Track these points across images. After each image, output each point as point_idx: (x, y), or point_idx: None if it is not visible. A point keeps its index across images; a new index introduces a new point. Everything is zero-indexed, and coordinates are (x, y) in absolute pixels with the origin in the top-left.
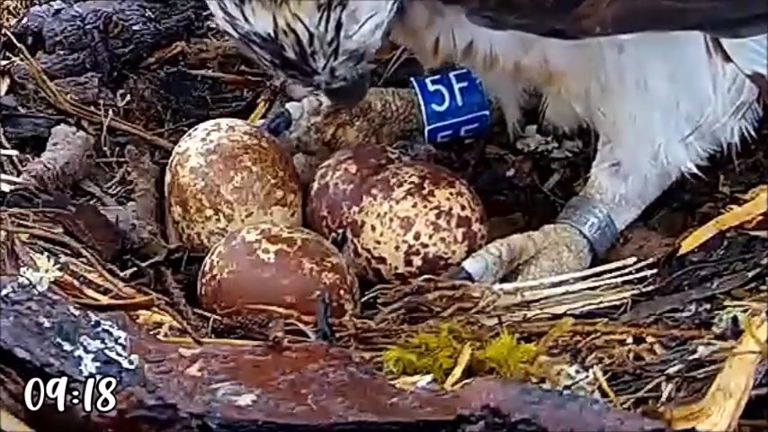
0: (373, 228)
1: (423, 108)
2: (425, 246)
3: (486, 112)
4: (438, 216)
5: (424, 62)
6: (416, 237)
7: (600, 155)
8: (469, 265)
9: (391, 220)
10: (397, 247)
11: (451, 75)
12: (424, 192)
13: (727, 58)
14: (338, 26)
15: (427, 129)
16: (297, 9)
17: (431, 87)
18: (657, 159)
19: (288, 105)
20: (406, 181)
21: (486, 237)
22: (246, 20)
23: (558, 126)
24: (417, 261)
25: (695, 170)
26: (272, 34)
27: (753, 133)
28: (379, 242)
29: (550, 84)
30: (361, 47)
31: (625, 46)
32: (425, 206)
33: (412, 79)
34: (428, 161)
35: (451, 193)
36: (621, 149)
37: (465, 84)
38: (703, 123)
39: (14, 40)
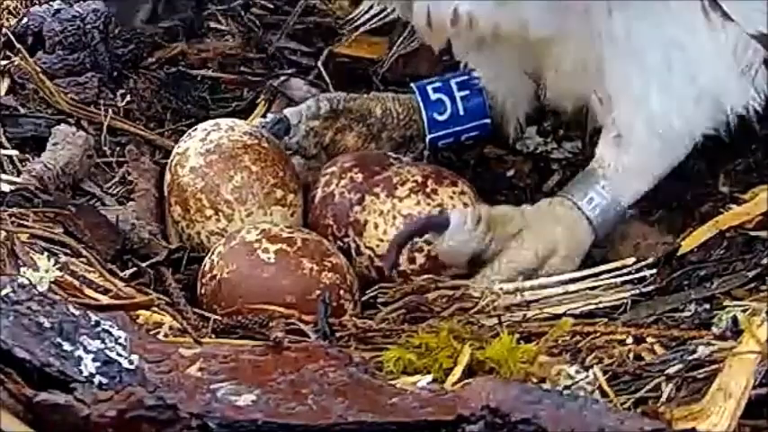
0: (376, 225)
1: (424, 116)
2: (429, 243)
3: (488, 120)
4: (441, 213)
5: (427, 40)
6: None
7: (604, 129)
8: (452, 213)
9: (394, 217)
10: None
11: (453, 82)
12: (428, 190)
13: (727, 18)
14: None
15: (428, 137)
16: None
17: (432, 96)
18: (658, 128)
19: (286, 111)
20: (408, 180)
21: None
22: None
23: (559, 106)
24: (420, 258)
25: (700, 138)
26: None
27: (758, 109)
28: (381, 239)
29: (536, 53)
30: None
31: (613, 11)
32: (428, 203)
33: (413, 85)
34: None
35: (454, 192)
36: (620, 119)
37: (467, 92)
38: (707, 86)
39: (14, 41)
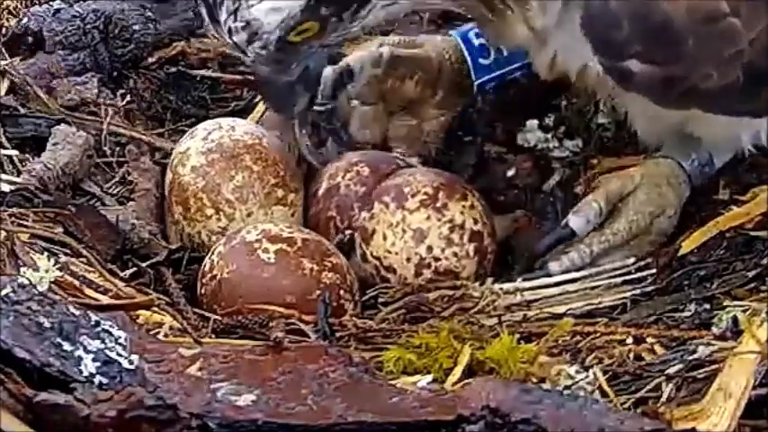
0: (385, 237)
1: (470, 62)
2: (437, 259)
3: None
4: (451, 230)
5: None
6: (429, 250)
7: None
8: (573, 221)
9: (404, 230)
10: (408, 259)
11: None
12: (438, 204)
13: None
14: None
15: (476, 83)
16: None
17: (475, 41)
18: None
19: (349, 58)
20: (419, 191)
21: (495, 250)
22: None
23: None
24: (428, 273)
25: None
26: None
27: None
28: (389, 251)
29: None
30: (254, 23)
31: None
32: (439, 219)
33: (452, 33)
34: (425, 163)
35: (465, 206)
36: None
37: None
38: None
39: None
